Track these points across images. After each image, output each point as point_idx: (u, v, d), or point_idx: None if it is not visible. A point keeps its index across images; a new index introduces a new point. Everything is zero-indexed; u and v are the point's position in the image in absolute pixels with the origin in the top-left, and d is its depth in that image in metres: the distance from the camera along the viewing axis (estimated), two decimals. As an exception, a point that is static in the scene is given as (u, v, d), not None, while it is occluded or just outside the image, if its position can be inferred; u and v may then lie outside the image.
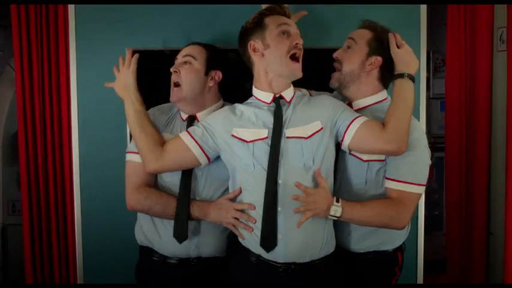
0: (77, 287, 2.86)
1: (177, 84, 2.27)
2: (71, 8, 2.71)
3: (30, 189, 2.99)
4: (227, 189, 2.25)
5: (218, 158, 2.22)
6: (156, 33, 2.70)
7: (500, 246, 3.19)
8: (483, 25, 3.24)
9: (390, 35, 2.16)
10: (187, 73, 2.28)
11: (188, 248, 2.26)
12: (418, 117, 2.78)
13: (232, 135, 2.12)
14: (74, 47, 2.72)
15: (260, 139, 2.09)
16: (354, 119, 2.08)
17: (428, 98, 2.88)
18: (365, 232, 2.19)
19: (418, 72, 2.71)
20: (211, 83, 2.32)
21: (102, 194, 2.74)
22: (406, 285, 2.75)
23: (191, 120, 2.32)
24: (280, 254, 2.06)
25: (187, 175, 2.24)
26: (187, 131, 2.19)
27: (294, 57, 2.10)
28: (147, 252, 2.33)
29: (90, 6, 2.70)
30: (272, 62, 2.12)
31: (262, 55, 2.13)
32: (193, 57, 2.30)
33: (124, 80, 2.28)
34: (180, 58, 2.31)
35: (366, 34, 2.23)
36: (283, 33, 2.10)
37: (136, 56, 2.27)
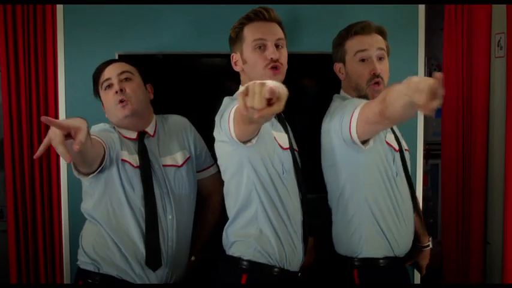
0: (64, 287, 2.81)
1: (122, 101, 2.18)
2: (59, 8, 2.65)
3: (15, 193, 2.91)
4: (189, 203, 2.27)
5: (181, 171, 2.22)
6: (148, 37, 2.64)
7: (497, 256, 3.14)
8: (481, 31, 3.20)
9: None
10: (133, 88, 2.21)
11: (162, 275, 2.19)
12: (415, 124, 2.75)
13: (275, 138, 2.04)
14: (62, 49, 2.66)
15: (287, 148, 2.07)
16: None
17: (423, 105, 2.84)
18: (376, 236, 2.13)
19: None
20: (150, 96, 2.31)
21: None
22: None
23: (143, 135, 2.25)
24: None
25: (150, 194, 2.16)
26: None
27: (274, 67, 2.03)
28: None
29: (79, 6, 2.64)
30: (252, 76, 2.03)
31: (243, 69, 2.08)
32: (130, 72, 2.24)
33: None
34: (115, 78, 2.20)
35: (381, 40, 2.20)
36: (259, 47, 2.03)
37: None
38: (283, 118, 2.15)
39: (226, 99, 2.06)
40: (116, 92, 2.17)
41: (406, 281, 2.27)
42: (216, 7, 2.61)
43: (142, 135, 2.25)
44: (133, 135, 2.24)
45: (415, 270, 2.72)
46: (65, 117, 2.67)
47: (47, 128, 2.81)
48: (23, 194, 2.92)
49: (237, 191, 2.03)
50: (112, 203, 2.16)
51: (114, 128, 2.25)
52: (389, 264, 2.13)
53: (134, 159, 2.19)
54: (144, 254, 2.13)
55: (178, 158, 2.30)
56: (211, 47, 2.60)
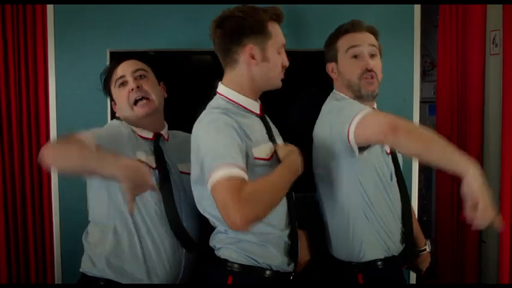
0: (56, 287, 2.78)
1: (141, 98, 2.10)
2: (50, 8, 2.62)
3: (5, 193, 2.88)
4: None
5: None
6: (139, 34, 2.61)
7: (493, 255, 3.13)
8: (475, 28, 3.18)
9: None
10: (150, 85, 2.14)
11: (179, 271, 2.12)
12: (411, 122, 2.74)
13: (256, 158, 1.87)
14: (52, 49, 2.64)
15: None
16: None
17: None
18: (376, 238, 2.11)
19: (411, 75, 2.69)
20: (164, 94, 2.23)
21: (80, 193, 2.56)
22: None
23: (158, 137, 2.17)
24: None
25: (169, 197, 2.07)
26: (225, 165, 1.68)
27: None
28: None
29: (69, 6, 2.61)
30: (264, 75, 1.95)
31: (257, 64, 1.96)
32: (145, 70, 2.16)
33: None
34: (129, 76, 2.12)
35: (373, 38, 2.21)
36: (281, 49, 1.98)
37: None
38: (269, 123, 2.06)
39: (205, 123, 1.87)
40: (132, 90, 2.09)
41: (402, 278, 2.26)
42: (210, 5, 2.58)
43: (158, 136, 2.16)
44: (150, 135, 2.15)
45: (411, 271, 2.71)
46: (55, 116, 2.64)
47: (38, 128, 2.82)
48: (13, 194, 2.88)
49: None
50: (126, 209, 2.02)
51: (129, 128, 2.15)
52: (388, 264, 2.12)
53: (151, 160, 2.08)
54: (155, 260, 2.05)
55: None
56: (204, 44, 2.56)
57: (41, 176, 2.90)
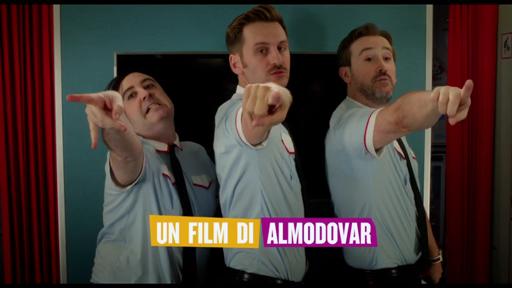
0: (60, 287, 2.75)
1: (152, 106, 2.03)
2: (56, 8, 2.59)
3: (10, 195, 2.85)
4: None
5: (208, 192, 2.14)
6: (146, 36, 2.57)
7: (504, 262, 3.08)
8: (487, 31, 3.13)
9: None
10: (161, 93, 2.10)
11: None
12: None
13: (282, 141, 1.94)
14: (58, 49, 2.60)
15: (293, 152, 1.99)
16: None
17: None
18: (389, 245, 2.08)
19: (423, 79, 2.64)
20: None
21: (86, 194, 2.62)
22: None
23: (173, 148, 2.12)
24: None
25: (189, 212, 2.02)
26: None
27: (276, 72, 1.93)
28: None
29: (76, 6, 2.58)
30: (253, 81, 1.93)
31: (243, 72, 2.00)
32: (152, 80, 2.12)
33: None
34: (138, 86, 2.05)
35: (386, 41, 2.20)
36: (261, 51, 1.93)
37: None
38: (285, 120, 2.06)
39: (226, 104, 1.92)
40: (144, 98, 2.02)
41: None
42: (217, 6, 2.55)
43: (172, 147, 2.12)
44: (165, 147, 2.10)
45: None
46: (61, 118, 2.61)
47: (44, 129, 2.79)
48: (18, 194, 2.86)
49: (239, 198, 1.91)
50: (146, 222, 1.98)
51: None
52: (402, 273, 2.09)
53: (171, 174, 2.05)
54: (169, 275, 2.01)
55: (205, 179, 2.19)
56: (212, 47, 2.54)
57: (47, 176, 2.87)
